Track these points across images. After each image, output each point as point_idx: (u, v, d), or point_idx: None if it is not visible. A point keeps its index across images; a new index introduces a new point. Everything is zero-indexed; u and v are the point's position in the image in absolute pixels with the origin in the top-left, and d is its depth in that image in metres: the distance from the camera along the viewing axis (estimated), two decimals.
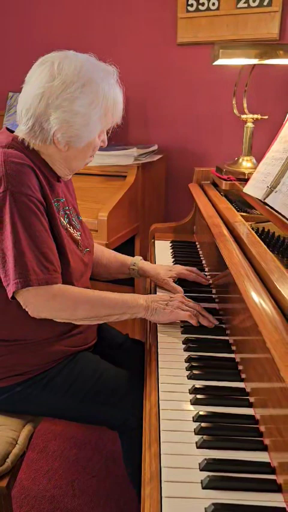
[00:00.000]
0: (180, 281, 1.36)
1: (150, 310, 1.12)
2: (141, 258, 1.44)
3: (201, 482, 0.68)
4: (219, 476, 0.69)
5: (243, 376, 0.93)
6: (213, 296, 1.29)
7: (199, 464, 0.71)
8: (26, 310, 1.06)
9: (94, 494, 1.63)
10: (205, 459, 0.71)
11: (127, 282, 1.86)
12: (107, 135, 1.20)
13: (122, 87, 1.16)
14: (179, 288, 1.30)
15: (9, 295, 1.03)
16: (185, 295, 1.22)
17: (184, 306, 1.14)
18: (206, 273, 1.47)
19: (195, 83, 2.15)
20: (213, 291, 1.31)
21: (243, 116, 1.63)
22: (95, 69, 1.08)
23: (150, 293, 1.35)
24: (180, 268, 1.40)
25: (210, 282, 1.39)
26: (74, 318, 1.11)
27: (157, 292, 1.32)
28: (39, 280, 1.02)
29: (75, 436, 1.90)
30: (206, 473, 0.69)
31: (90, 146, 1.14)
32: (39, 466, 1.75)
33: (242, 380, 0.92)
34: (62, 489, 1.66)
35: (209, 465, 0.71)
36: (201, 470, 0.70)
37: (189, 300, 1.17)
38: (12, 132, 1.15)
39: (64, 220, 1.18)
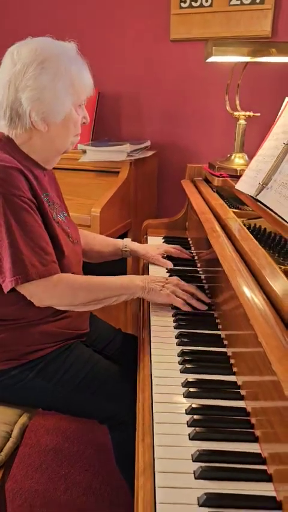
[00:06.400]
0: (167, 258, 1.52)
1: (147, 290, 1.18)
2: (130, 239, 1.56)
3: (194, 473, 0.69)
4: (212, 466, 0.70)
5: (234, 369, 0.95)
6: (205, 290, 1.30)
7: (192, 455, 0.73)
8: (31, 300, 1.12)
9: (87, 488, 1.65)
10: (197, 450, 0.73)
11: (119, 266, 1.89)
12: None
13: (86, 60, 1.18)
14: (169, 262, 1.47)
15: (5, 290, 1.08)
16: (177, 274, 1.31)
17: (179, 290, 1.19)
18: (198, 269, 1.49)
19: (188, 79, 2.16)
20: (206, 286, 1.33)
21: (236, 113, 1.64)
22: (51, 46, 1.14)
23: (143, 271, 1.50)
24: (167, 246, 1.57)
25: (203, 277, 1.40)
26: (75, 304, 1.16)
27: (149, 268, 1.46)
28: (40, 273, 1.07)
29: (67, 430, 1.91)
30: (198, 464, 0.70)
31: (69, 121, 1.16)
32: (31, 461, 1.76)
33: (233, 373, 0.94)
34: (55, 483, 1.67)
35: (201, 456, 0.72)
36: (194, 461, 0.72)
37: (184, 283, 1.22)
38: None
39: (54, 213, 1.21)
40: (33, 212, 1.10)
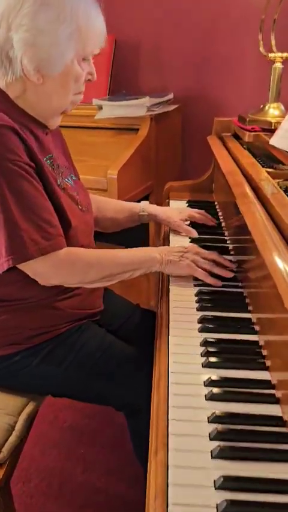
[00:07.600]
0: (191, 225, 1.37)
1: (164, 263, 1.08)
2: (148, 202, 1.40)
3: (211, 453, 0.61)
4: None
5: (268, 363, 0.80)
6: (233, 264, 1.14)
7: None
8: (36, 279, 1.00)
9: (106, 468, 1.58)
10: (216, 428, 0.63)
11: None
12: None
13: (100, 1, 0.98)
14: (194, 231, 1.32)
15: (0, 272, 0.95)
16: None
17: (199, 258, 1.08)
18: (225, 237, 1.32)
19: (215, 20, 1.92)
20: (234, 259, 1.16)
21: (271, 55, 1.44)
22: None
23: (164, 240, 1.36)
24: (190, 211, 1.42)
25: (231, 248, 1.24)
26: (86, 281, 1.06)
27: (170, 237, 1.33)
28: (43, 249, 0.94)
29: (85, 408, 1.83)
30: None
31: (69, 75, 0.98)
32: (48, 439, 1.70)
33: (266, 369, 0.79)
34: (72, 461, 1.62)
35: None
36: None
37: (204, 251, 1.12)
38: None
39: (59, 178, 1.06)
40: (32, 178, 0.95)
